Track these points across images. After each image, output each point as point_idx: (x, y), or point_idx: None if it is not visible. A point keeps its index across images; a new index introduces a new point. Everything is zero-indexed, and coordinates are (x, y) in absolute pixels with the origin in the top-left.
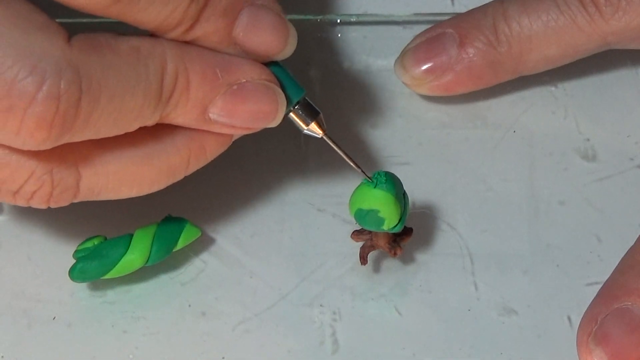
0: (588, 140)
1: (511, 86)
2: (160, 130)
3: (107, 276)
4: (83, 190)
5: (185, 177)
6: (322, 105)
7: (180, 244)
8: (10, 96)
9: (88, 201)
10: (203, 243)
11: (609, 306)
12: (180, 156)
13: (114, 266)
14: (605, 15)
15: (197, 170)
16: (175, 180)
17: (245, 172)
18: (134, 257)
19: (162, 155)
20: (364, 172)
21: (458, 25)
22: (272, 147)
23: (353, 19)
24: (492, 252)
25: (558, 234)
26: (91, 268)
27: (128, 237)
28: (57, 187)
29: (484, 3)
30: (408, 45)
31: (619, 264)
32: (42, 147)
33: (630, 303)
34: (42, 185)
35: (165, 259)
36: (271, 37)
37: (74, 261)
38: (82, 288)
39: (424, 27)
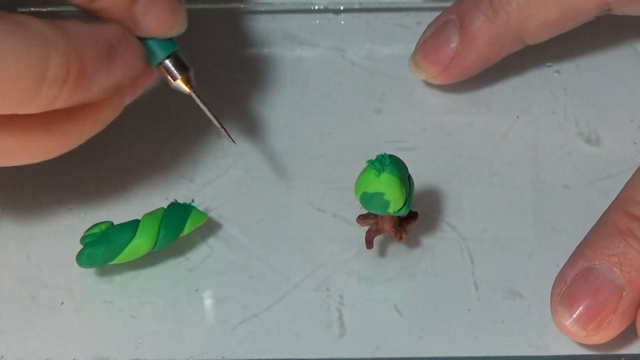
0: (592, 124)
1: (515, 72)
2: None
3: (114, 261)
4: None
5: (189, 163)
6: (325, 92)
7: (187, 229)
8: None
9: (97, 187)
10: (209, 228)
11: (578, 266)
12: (76, 123)
13: (121, 251)
14: None
15: (200, 156)
16: (69, 149)
17: (249, 156)
18: (141, 242)
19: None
20: (228, 135)
21: (458, 9)
22: (278, 131)
23: (356, 6)
24: (498, 236)
25: (563, 218)
26: (98, 253)
27: (135, 222)
28: None
29: None
30: (418, 40)
31: (595, 223)
32: None
33: (597, 263)
34: None
35: (172, 245)
36: (166, 16)
37: (81, 247)
38: (89, 273)
39: (426, 13)
